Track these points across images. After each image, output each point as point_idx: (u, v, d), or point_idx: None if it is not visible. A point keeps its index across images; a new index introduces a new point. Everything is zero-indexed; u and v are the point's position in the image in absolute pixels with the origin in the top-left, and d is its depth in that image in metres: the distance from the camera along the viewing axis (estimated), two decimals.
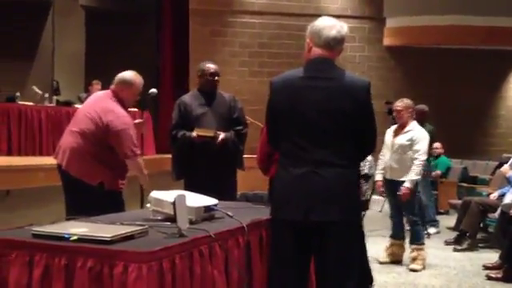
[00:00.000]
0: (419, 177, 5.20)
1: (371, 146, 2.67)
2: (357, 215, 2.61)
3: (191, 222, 2.39)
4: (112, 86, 3.73)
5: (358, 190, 2.61)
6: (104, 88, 5.63)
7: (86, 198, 3.45)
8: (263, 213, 2.82)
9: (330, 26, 2.55)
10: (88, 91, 8.94)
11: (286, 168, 2.54)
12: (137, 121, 3.96)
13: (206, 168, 4.21)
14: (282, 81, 2.60)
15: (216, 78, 4.40)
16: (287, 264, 2.54)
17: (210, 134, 4.17)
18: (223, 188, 4.05)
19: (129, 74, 3.75)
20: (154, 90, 4.48)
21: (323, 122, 2.49)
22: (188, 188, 3.81)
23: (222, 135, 4.24)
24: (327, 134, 2.49)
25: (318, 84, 2.50)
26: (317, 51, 2.54)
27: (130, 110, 3.87)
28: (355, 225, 2.60)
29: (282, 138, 2.59)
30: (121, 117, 3.58)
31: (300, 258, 2.55)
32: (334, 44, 2.54)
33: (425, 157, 5.25)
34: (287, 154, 2.56)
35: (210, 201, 2.73)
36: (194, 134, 4.21)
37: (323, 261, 2.53)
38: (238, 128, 4.38)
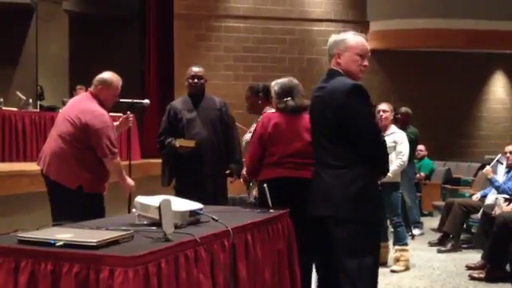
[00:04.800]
0: (392, 175, 5.23)
1: (370, 145, 2.69)
2: (354, 213, 2.68)
3: (176, 227, 2.40)
4: (90, 88, 3.76)
5: (354, 188, 2.68)
6: None
7: (67, 202, 3.47)
8: (249, 216, 2.84)
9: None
10: (72, 96, 8.88)
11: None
12: (116, 123, 3.97)
13: (196, 174, 4.22)
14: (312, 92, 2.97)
15: (197, 80, 4.38)
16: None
17: (191, 144, 4.20)
18: (214, 193, 4.07)
19: (107, 74, 3.79)
20: (147, 101, 4.60)
21: (320, 127, 2.81)
22: (179, 194, 3.81)
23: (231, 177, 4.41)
24: (325, 138, 2.76)
25: (316, 93, 2.85)
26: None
27: (113, 115, 3.88)
28: (352, 222, 2.69)
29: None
30: (99, 116, 3.62)
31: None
32: (329, 53, 2.86)
33: (406, 158, 5.32)
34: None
35: (195, 205, 2.75)
36: (177, 144, 4.22)
37: (323, 256, 2.94)
38: (234, 156, 4.39)
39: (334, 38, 2.85)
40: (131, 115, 4.15)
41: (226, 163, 4.39)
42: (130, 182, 3.83)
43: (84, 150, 3.59)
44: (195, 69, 4.43)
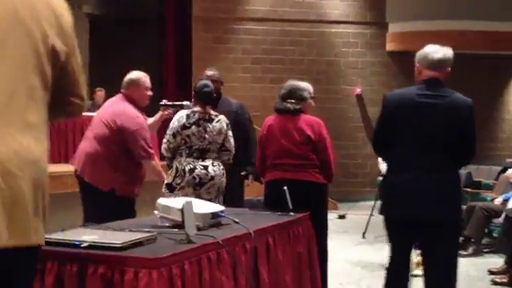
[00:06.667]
0: None
1: (471, 154, 3.15)
2: (458, 214, 3.10)
3: (199, 229, 2.41)
4: (122, 90, 3.81)
5: (460, 192, 3.14)
6: (108, 95, 5.68)
7: (98, 203, 3.51)
8: (270, 219, 2.84)
9: (435, 51, 3.15)
10: (93, 99, 8.98)
11: (397, 172, 3.01)
12: (150, 120, 4.01)
13: None
14: (397, 97, 3.12)
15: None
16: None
17: None
18: (230, 196, 4.07)
19: (134, 74, 3.86)
20: (188, 103, 4.52)
21: (432, 132, 2.93)
22: None
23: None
24: (435, 143, 2.94)
25: (429, 101, 2.98)
26: (426, 73, 3.06)
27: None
28: (457, 223, 3.13)
29: (394, 146, 3.03)
30: (134, 118, 3.67)
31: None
32: (440, 65, 3.09)
33: None
34: (399, 160, 3.01)
35: (216, 207, 2.76)
36: None
37: (429, 254, 3.11)
38: (250, 158, 4.36)
39: (450, 51, 3.18)
40: (166, 112, 4.14)
41: (243, 165, 4.40)
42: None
43: (119, 153, 3.63)
44: (209, 72, 4.46)
